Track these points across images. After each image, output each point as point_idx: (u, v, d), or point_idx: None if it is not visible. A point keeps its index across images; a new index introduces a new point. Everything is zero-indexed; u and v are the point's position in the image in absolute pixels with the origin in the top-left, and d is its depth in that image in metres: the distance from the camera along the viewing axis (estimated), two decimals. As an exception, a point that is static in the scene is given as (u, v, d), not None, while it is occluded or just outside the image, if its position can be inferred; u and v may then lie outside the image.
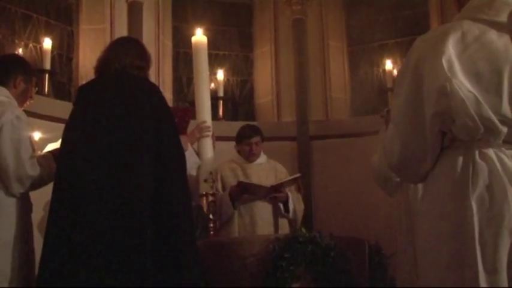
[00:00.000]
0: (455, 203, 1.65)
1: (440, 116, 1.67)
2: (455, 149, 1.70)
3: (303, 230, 3.04)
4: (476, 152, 1.66)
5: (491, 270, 1.58)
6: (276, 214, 3.83)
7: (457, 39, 1.68)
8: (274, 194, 3.77)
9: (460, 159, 1.67)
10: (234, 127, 4.40)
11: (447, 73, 1.65)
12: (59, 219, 2.39)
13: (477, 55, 1.67)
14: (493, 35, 1.69)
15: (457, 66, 1.65)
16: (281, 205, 3.82)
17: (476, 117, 1.63)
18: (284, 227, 3.84)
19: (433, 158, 1.73)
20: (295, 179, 3.98)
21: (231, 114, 5.90)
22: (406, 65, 1.77)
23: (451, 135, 1.70)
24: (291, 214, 3.85)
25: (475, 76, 1.66)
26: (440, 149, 1.73)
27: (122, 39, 2.96)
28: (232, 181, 3.89)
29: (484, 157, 1.65)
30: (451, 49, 1.67)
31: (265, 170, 4.01)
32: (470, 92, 1.64)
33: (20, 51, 4.89)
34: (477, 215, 1.60)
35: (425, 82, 1.69)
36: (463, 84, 1.64)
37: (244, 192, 3.78)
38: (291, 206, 3.84)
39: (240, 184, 3.76)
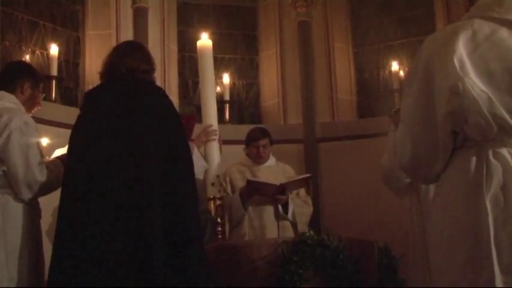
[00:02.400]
0: (469, 203, 1.63)
1: (452, 115, 1.65)
2: (468, 149, 1.68)
3: (311, 232, 3.03)
4: (490, 152, 1.64)
5: (508, 271, 1.56)
6: (278, 216, 3.83)
7: (467, 38, 1.67)
8: (281, 194, 3.76)
9: (473, 159, 1.65)
10: (240, 130, 4.40)
11: (459, 72, 1.63)
12: (68, 224, 2.39)
13: (489, 54, 1.65)
14: (504, 33, 1.67)
15: (468, 65, 1.64)
16: (280, 207, 3.82)
17: (489, 117, 1.62)
18: (287, 229, 3.83)
19: (445, 159, 1.71)
20: (305, 179, 3.97)
21: (237, 117, 5.90)
22: (416, 64, 1.75)
23: (463, 135, 1.68)
24: (290, 217, 3.84)
25: (487, 75, 1.64)
26: (453, 149, 1.71)
27: (125, 44, 2.96)
28: (241, 184, 3.88)
29: (498, 156, 1.63)
30: (462, 48, 1.65)
31: (274, 172, 4.00)
32: (482, 91, 1.62)
33: (27, 58, 4.91)
34: (492, 215, 1.59)
35: (436, 82, 1.67)
36: (475, 83, 1.63)
37: (254, 191, 3.78)
38: (290, 209, 3.83)
39: (249, 183, 3.76)
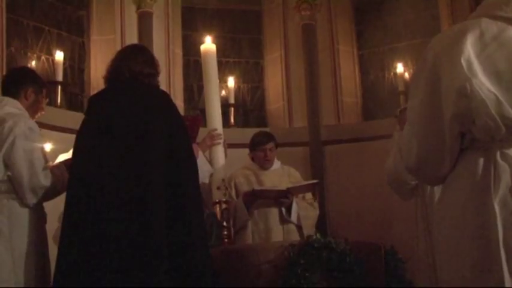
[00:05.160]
0: (476, 205, 1.61)
1: (460, 117, 1.63)
2: (476, 150, 1.65)
3: (318, 235, 3.01)
4: (498, 153, 1.61)
5: (517, 274, 1.53)
6: (282, 219, 3.82)
7: (475, 38, 1.64)
8: (284, 198, 3.76)
9: (481, 160, 1.63)
10: (245, 134, 4.39)
11: (467, 73, 1.61)
12: (73, 228, 2.40)
13: (496, 54, 1.63)
14: (511, 32, 1.65)
15: (476, 66, 1.61)
16: (283, 209, 3.81)
17: (497, 118, 1.59)
18: (293, 233, 3.82)
19: (452, 160, 1.69)
20: (313, 185, 3.96)
21: (243, 121, 5.90)
22: (422, 65, 1.73)
23: (470, 136, 1.66)
24: (295, 220, 3.83)
25: (495, 75, 1.61)
26: (460, 150, 1.69)
27: (129, 47, 2.97)
28: (246, 188, 3.88)
29: (506, 158, 1.61)
30: (469, 48, 1.63)
31: (279, 175, 4.00)
32: (490, 91, 1.60)
33: (33, 63, 4.93)
34: (500, 217, 1.56)
35: (444, 82, 1.65)
36: (483, 84, 1.60)
37: (257, 197, 3.77)
38: (293, 212, 3.81)
39: (254, 193, 3.75)
